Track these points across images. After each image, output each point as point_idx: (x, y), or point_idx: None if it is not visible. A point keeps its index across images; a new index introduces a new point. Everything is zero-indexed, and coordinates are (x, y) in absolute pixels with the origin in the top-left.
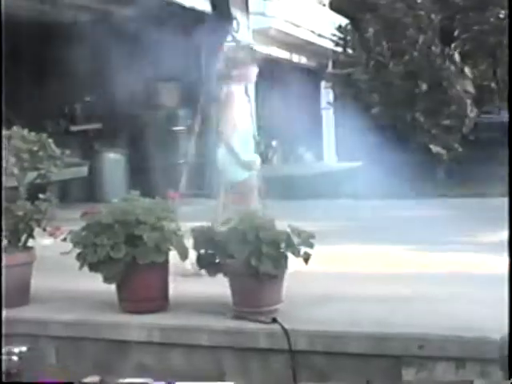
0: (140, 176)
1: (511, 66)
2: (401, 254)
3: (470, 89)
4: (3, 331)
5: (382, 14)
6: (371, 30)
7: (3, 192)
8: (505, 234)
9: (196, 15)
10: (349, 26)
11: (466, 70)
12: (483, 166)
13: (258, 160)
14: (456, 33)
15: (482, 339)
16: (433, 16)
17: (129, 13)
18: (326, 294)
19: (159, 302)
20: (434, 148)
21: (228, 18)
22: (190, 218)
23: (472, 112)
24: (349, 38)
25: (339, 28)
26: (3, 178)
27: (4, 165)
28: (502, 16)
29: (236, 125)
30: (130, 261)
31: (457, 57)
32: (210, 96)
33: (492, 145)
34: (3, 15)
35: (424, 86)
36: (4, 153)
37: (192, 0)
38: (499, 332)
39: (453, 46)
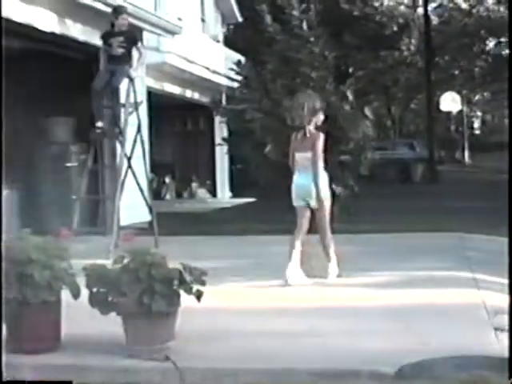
0: (32, 212)
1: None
2: (294, 289)
3: (367, 126)
4: None
5: (278, 50)
6: (268, 67)
7: None
8: (398, 271)
9: (91, 49)
10: (246, 62)
11: (366, 109)
12: (378, 202)
13: None
14: (350, 70)
15: (374, 372)
16: (326, 53)
17: (17, 46)
18: (218, 331)
19: (50, 341)
20: (336, 188)
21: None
22: (82, 256)
23: (368, 149)
24: (246, 74)
25: (238, 63)
26: None
27: None
28: (396, 55)
29: None
30: (21, 300)
31: (349, 95)
32: (105, 131)
33: (387, 181)
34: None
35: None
36: None
37: (86, 35)
38: (393, 366)
39: (347, 83)
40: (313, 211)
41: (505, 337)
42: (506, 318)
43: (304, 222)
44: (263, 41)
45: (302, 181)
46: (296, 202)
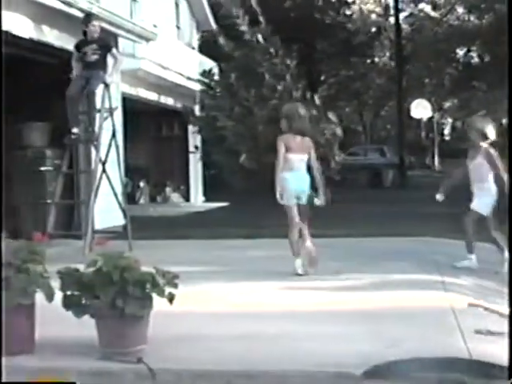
0: (6, 216)
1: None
2: (265, 292)
3: (336, 132)
4: None
5: (237, 65)
6: (233, 77)
7: None
8: (367, 275)
9: (66, 55)
10: (214, 71)
11: (330, 114)
12: (349, 207)
13: None
14: (323, 77)
15: (342, 374)
16: (288, 61)
17: None
18: (191, 334)
19: (25, 344)
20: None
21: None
22: (57, 260)
23: (337, 155)
24: (213, 82)
25: (203, 73)
26: None
27: None
28: (366, 61)
29: None
30: None
31: (317, 101)
32: (80, 137)
33: (358, 186)
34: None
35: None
36: None
37: (62, 40)
38: (360, 367)
39: (319, 90)
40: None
41: (475, 339)
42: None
43: (295, 217)
44: (224, 54)
45: (297, 180)
46: (289, 200)
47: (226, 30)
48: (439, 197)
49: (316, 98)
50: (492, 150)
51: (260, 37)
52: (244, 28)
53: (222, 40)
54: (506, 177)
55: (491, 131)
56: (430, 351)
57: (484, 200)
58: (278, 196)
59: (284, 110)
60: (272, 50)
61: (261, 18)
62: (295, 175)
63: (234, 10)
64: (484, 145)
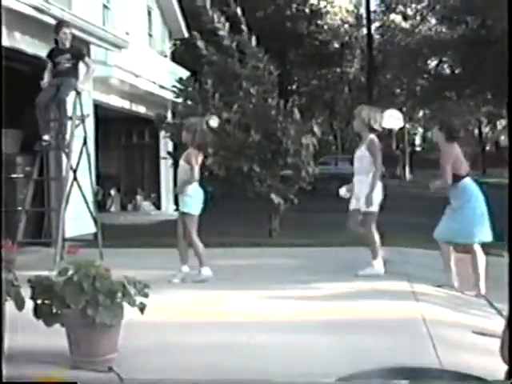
0: None
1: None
2: (235, 302)
3: (309, 141)
4: None
5: (217, 70)
6: (209, 82)
7: None
8: (338, 284)
9: (38, 62)
10: (191, 78)
11: (315, 126)
12: (319, 216)
13: None
14: (294, 87)
15: (313, 383)
16: (272, 68)
17: None
18: (161, 343)
19: None
20: (276, 198)
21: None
22: (27, 267)
23: (309, 164)
24: (189, 89)
25: (180, 80)
26: None
27: None
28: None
29: None
30: None
31: (295, 110)
32: (51, 144)
33: (328, 195)
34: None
35: (256, 136)
36: None
37: (34, 47)
38: (331, 376)
39: (291, 99)
40: None
41: (444, 347)
42: None
43: None
44: (204, 59)
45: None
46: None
47: (204, 35)
48: (343, 193)
49: (294, 107)
50: (376, 142)
51: (241, 42)
52: (223, 33)
53: (200, 44)
54: (378, 173)
55: (377, 121)
56: (401, 360)
57: (370, 195)
58: None
59: (187, 124)
60: (260, 55)
61: (243, 26)
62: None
63: (214, 15)
64: (370, 136)
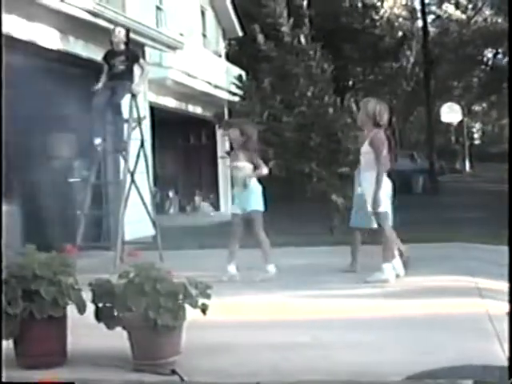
0: (35, 228)
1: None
2: (297, 301)
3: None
4: None
5: (275, 66)
6: (267, 81)
7: None
8: (402, 281)
9: (94, 66)
10: (247, 77)
11: None
12: None
13: None
14: (350, 83)
15: (381, 382)
16: (325, 66)
17: (18, 63)
18: (224, 345)
19: (57, 356)
20: (336, 198)
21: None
22: (87, 271)
23: None
24: (246, 88)
25: (238, 78)
26: None
27: None
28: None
29: None
30: (27, 316)
31: (353, 106)
32: (107, 147)
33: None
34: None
35: (317, 138)
36: None
37: (89, 51)
38: (399, 375)
39: (347, 96)
40: None
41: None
42: None
43: None
44: (259, 58)
45: None
46: None
47: (264, 30)
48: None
49: (352, 103)
50: (381, 136)
51: (303, 39)
52: (285, 29)
53: (260, 38)
54: (382, 170)
55: (383, 116)
56: (467, 358)
57: (377, 196)
58: None
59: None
60: (311, 53)
61: (306, 21)
62: None
63: (277, 8)
64: (374, 130)
